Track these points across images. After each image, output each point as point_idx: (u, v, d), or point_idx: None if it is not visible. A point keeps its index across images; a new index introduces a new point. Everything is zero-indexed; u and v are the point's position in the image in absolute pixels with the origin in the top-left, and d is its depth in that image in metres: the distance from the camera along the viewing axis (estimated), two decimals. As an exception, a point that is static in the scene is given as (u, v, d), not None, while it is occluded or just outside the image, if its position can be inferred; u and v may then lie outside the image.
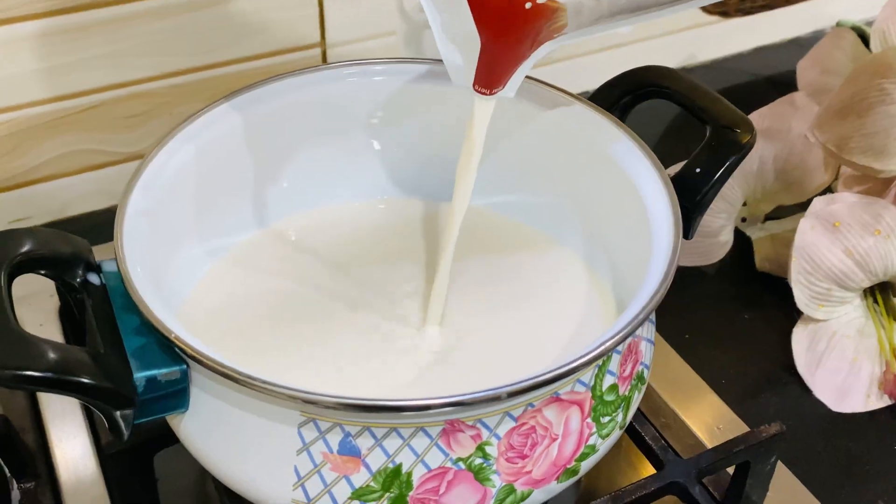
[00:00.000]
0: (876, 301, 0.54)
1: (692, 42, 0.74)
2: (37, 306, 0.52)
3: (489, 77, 0.38)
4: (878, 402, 0.52)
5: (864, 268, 0.51)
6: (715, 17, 0.73)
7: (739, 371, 0.54)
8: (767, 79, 0.74)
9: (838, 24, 0.66)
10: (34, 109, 0.56)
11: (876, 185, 0.54)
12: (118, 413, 0.34)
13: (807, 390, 0.53)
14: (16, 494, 0.44)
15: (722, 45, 0.76)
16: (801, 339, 0.54)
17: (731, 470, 0.45)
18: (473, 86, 0.39)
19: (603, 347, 0.34)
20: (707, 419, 0.49)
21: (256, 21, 0.58)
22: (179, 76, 0.58)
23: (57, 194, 0.59)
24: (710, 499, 0.41)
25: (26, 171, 0.57)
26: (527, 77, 0.46)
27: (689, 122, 0.44)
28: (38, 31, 0.53)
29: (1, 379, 0.32)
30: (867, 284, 0.52)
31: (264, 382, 0.32)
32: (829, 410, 0.52)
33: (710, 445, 0.46)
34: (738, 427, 0.48)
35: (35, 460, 0.46)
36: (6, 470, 0.45)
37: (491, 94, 0.39)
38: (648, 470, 0.45)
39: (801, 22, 0.78)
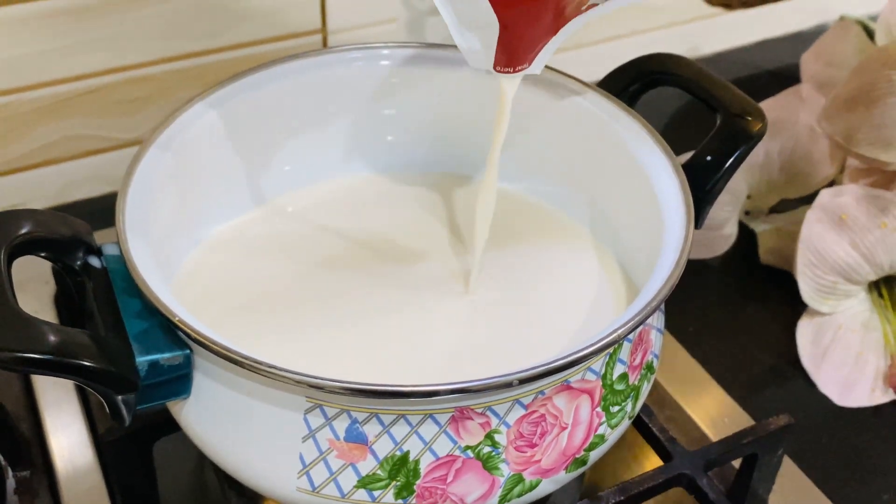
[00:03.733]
0: (881, 295, 0.54)
1: (695, 34, 0.73)
2: (32, 293, 0.51)
3: (511, 57, 0.37)
4: (883, 396, 0.52)
5: (870, 261, 0.51)
6: (718, 10, 0.73)
7: (744, 364, 0.53)
8: (770, 72, 0.74)
9: (842, 18, 0.66)
10: (31, 93, 0.55)
11: (882, 178, 0.54)
12: (120, 398, 0.33)
13: (811, 384, 0.52)
14: (11, 483, 0.44)
15: (725, 38, 0.75)
16: (805, 333, 0.53)
17: (736, 463, 0.44)
18: (494, 67, 0.38)
19: (616, 334, 0.33)
20: (712, 412, 0.49)
21: (257, 6, 0.57)
22: (179, 61, 0.57)
23: (53, 180, 0.58)
24: (718, 491, 0.41)
25: (22, 155, 0.57)
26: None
27: (695, 112, 0.43)
28: (36, 13, 0.52)
29: (0, 361, 0.31)
30: (873, 278, 0.52)
31: (270, 367, 0.31)
32: (834, 404, 0.51)
33: (714, 438, 0.46)
34: (742, 420, 0.48)
35: (30, 448, 0.45)
36: (1, 458, 0.44)
37: (515, 72, 0.38)
38: (652, 464, 0.44)
39: (805, 15, 0.78)
